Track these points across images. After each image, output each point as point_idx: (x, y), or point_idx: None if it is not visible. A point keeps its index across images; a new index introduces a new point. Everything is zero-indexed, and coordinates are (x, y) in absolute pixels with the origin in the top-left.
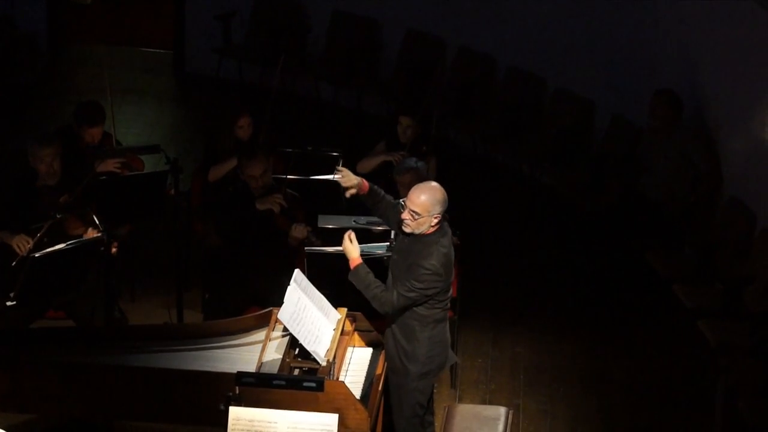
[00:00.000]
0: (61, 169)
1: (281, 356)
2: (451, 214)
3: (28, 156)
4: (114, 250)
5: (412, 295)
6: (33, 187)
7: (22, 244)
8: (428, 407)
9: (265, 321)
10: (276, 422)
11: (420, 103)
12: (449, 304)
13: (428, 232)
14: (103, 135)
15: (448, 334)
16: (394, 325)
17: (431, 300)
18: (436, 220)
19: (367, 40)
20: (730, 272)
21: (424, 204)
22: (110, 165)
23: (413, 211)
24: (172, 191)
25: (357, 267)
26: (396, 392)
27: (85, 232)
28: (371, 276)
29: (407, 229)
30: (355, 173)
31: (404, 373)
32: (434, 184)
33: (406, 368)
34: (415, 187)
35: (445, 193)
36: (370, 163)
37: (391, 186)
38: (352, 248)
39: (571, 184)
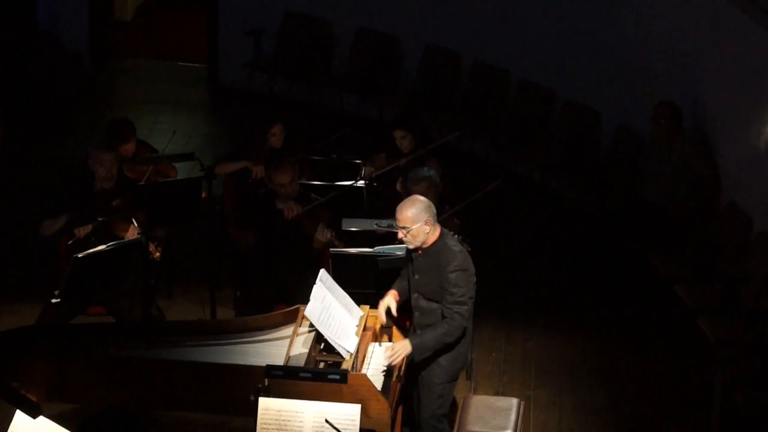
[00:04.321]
0: (117, 176)
1: (308, 350)
2: (466, 217)
3: (89, 159)
4: (158, 254)
5: (462, 301)
6: (90, 189)
7: (80, 229)
8: None
9: (293, 317)
10: (303, 412)
11: (410, 114)
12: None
13: (430, 242)
14: (138, 144)
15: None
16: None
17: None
18: (427, 227)
19: (388, 55)
20: (728, 272)
21: (407, 218)
22: (138, 170)
23: (403, 228)
24: (204, 194)
25: (413, 345)
26: (427, 389)
27: (131, 233)
28: (425, 336)
29: (411, 246)
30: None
31: (437, 374)
32: (414, 196)
33: (440, 369)
34: (398, 207)
35: (428, 201)
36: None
37: (394, 193)
38: (403, 344)
39: (578, 189)
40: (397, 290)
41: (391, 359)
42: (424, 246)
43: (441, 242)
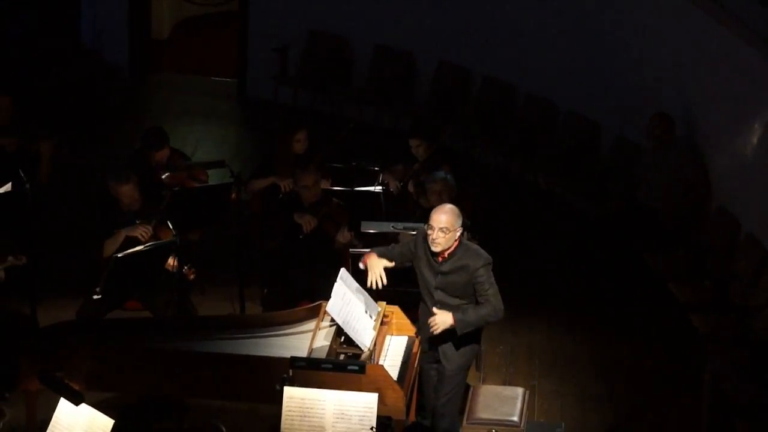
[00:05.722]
0: (141, 195)
1: (329, 343)
2: (476, 220)
3: (110, 190)
4: (192, 276)
5: (495, 287)
6: (120, 212)
7: (143, 232)
8: None
9: (315, 313)
10: (324, 400)
11: (424, 123)
12: None
13: (452, 248)
14: (172, 152)
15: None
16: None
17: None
18: (459, 232)
19: (404, 70)
20: (717, 271)
21: (450, 220)
22: (173, 176)
23: (443, 229)
24: (234, 195)
25: (456, 320)
26: (442, 377)
27: (165, 236)
28: (468, 313)
29: (438, 248)
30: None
31: (453, 363)
32: (445, 204)
33: (456, 359)
34: (435, 211)
35: (458, 209)
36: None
37: (407, 194)
38: (445, 316)
39: (579, 194)
40: (378, 254)
41: (433, 329)
42: (448, 251)
43: (463, 245)
